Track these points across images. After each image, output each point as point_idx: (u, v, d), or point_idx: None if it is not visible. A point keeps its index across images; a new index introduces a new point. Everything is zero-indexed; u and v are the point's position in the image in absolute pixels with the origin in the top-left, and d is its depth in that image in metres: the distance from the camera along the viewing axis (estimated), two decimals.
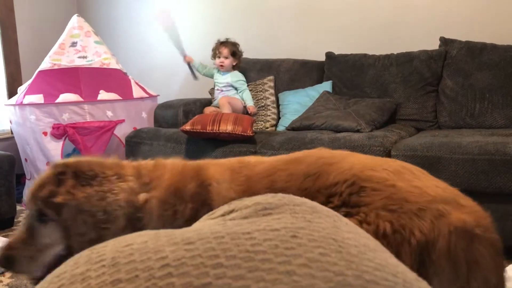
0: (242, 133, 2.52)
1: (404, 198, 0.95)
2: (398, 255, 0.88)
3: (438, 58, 2.72)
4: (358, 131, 2.46)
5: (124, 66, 3.34)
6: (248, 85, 3.18)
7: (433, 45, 2.84)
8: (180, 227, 0.63)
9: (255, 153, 2.48)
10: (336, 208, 0.97)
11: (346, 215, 0.95)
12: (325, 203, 0.99)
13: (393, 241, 0.90)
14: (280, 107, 3.11)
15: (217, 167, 1.16)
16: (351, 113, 2.61)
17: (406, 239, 0.90)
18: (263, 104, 3.11)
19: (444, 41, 2.77)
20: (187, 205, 1.08)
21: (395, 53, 2.89)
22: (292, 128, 2.75)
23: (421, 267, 0.89)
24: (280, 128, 2.98)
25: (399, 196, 0.95)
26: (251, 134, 2.53)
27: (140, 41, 4.00)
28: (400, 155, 2.18)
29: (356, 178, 1.00)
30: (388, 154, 2.21)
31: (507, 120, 2.48)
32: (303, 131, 2.60)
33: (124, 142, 2.90)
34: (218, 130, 2.52)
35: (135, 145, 2.81)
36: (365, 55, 2.96)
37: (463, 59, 2.64)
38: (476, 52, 2.62)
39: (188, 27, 3.75)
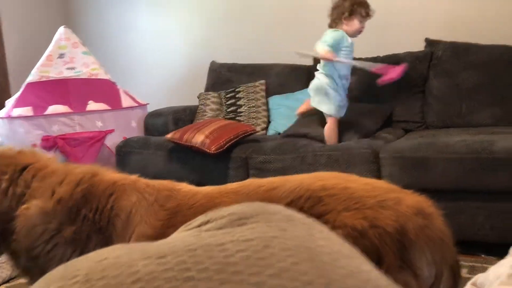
0: (204, 149, 2.41)
1: (362, 195, 0.98)
2: (382, 248, 0.92)
3: (424, 59, 2.75)
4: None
5: (113, 75, 3.34)
6: (239, 87, 3.19)
7: (419, 46, 2.86)
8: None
9: (245, 159, 2.48)
10: None
11: None
12: None
13: (373, 236, 0.92)
14: (270, 111, 3.12)
15: (134, 194, 1.07)
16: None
17: (384, 230, 0.93)
18: (254, 107, 3.11)
19: (429, 42, 2.79)
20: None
21: (381, 55, 2.91)
22: (286, 135, 2.75)
23: (404, 252, 0.94)
24: (271, 132, 3.00)
25: (356, 195, 0.99)
26: (212, 152, 2.38)
27: (129, 50, 4.01)
28: (388, 157, 2.20)
29: (310, 192, 1.01)
30: (376, 157, 2.23)
31: (494, 118, 2.51)
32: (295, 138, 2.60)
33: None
34: (190, 141, 2.45)
35: (126, 154, 2.81)
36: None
37: (449, 59, 2.67)
38: (461, 52, 2.64)
39: (176, 35, 3.76)
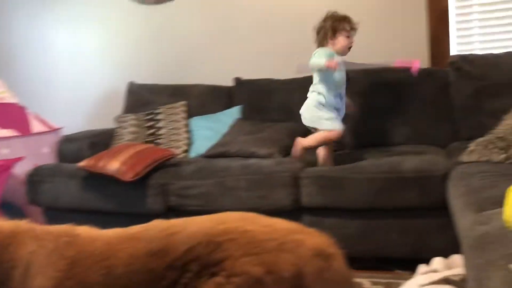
0: (119, 177, 2.31)
1: (261, 239, 0.97)
2: None
3: None
4: (270, 156, 2.49)
5: (24, 99, 3.14)
6: (159, 108, 3.11)
7: None
8: None
9: (164, 185, 2.41)
10: (197, 274, 0.95)
11: (211, 276, 0.94)
12: (180, 275, 0.96)
13: (269, 282, 0.91)
14: (191, 132, 3.08)
15: (33, 242, 1.01)
16: (265, 139, 2.64)
17: (280, 276, 0.92)
18: (175, 129, 3.05)
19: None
20: None
21: (299, 77, 2.98)
22: (207, 155, 2.72)
23: None
24: (192, 154, 2.95)
25: (257, 239, 0.97)
26: (129, 180, 2.29)
27: (42, 71, 3.79)
28: (307, 177, 2.24)
29: (210, 237, 0.99)
30: (296, 179, 2.26)
31: (402, 137, 2.63)
32: (215, 159, 2.58)
33: None
34: (105, 169, 2.33)
35: (36, 183, 2.64)
36: (271, 80, 3.02)
37: (361, 80, 2.77)
38: (372, 74, 2.76)
39: (93, 55, 3.62)
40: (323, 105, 2.37)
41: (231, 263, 0.94)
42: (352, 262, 2.26)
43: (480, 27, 2.85)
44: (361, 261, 2.29)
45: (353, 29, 2.40)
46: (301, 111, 2.49)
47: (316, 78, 2.43)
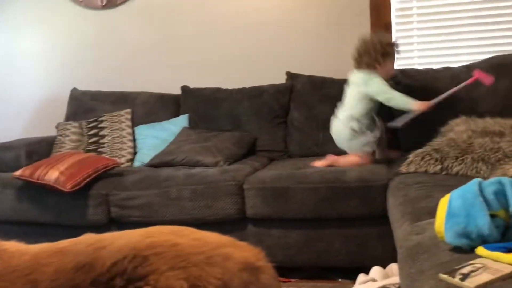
0: (58, 187, 2.23)
1: (189, 252, 0.97)
2: None
3: (285, 91, 2.88)
4: (216, 165, 2.48)
5: None
6: (103, 116, 3.02)
7: (281, 79, 3.00)
8: None
9: (106, 196, 2.34)
10: None
11: None
12: None
13: None
14: (136, 141, 3.00)
15: None
16: (211, 148, 2.62)
17: None
18: (119, 137, 2.97)
19: (290, 76, 2.94)
20: None
21: (247, 87, 2.99)
22: (152, 164, 2.67)
23: None
24: (137, 163, 2.88)
25: (185, 252, 0.97)
26: (68, 190, 2.21)
27: None
28: (252, 188, 2.23)
29: (136, 251, 0.98)
30: (241, 188, 2.25)
31: None
32: (159, 169, 2.53)
33: None
34: (43, 179, 2.24)
35: None
36: (218, 89, 3.01)
37: (307, 92, 2.82)
38: (318, 85, 2.82)
39: (32, 60, 3.47)
40: (358, 132, 2.34)
41: (156, 278, 0.93)
42: (296, 271, 2.30)
43: (419, 43, 2.98)
44: (306, 270, 2.31)
45: (398, 53, 2.40)
46: (333, 135, 2.45)
47: (357, 105, 2.35)
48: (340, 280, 2.21)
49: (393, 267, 1.87)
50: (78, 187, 2.27)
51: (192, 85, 3.15)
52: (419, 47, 2.98)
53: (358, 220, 2.15)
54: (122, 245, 0.99)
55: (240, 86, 3.03)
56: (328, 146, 2.72)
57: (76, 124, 3.03)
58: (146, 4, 3.29)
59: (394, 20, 2.97)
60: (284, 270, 2.32)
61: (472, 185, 1.09)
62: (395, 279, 1.72)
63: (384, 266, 1.99)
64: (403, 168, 2.07)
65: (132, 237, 1.03)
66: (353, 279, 2.03)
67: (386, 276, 1.82)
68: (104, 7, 3.34)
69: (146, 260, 0.95)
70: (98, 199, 2.33)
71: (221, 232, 1.22)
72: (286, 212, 2.19)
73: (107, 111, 3.10)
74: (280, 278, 2.20)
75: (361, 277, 1.88)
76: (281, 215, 2.20)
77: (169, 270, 0.93)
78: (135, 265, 0.95)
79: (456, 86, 2.33)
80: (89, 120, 3.05)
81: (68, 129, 2.99)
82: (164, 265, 0.94)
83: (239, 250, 1.02)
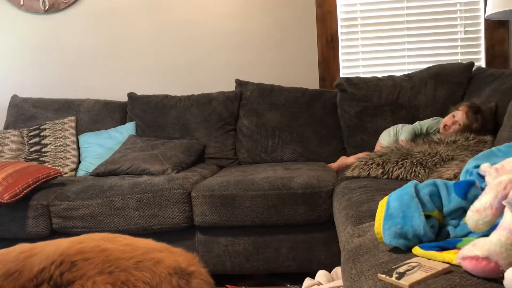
0: None
1: (118, 257, 0.98)
2: None
3: (234, 99, 2.88)
4: (164, 173, 2.43)
5: None
6: (45, 124, 2.91)
7: (231, 86, 3.01)
8: None
9: (47, 206, 2.25)
10: None
11: None
12: None
13: None
14: (81, 150, 2.91)
15: None
16: (158, 156, 2.57)
17: None
18: (62, 146, 2.86)
19: (239, 83, 2.95)
20: None
21: (195, 94, 2.97)
22: (96, 173, 2.59)
23: None
24: (81, 173, 2.79)
25: (113, 257, 0.98)
26: (5, 201, 2.11)
27: None
28: (199, 195, 2.21)
29: (64, 256, 0.99)
30: (188, 196, 2.22)
31: (295, 154, 2.74)
32: (104, 178, 2.46)
33: None
34: None
35: None
36: (166, 96, 2.97)
37: (255, 99, 2.84)
38: (266, 93, 2.84)
39: None
40: None
41: (83, 283, 0.93)
42: (245, 279, 2.29)
43: (363, 52, 3.08)
44: (255, 278, 2.31)
45: None
46: None
47: None
48: (288, 285, 2.22)
49: (338, 270, 1.90)
50: (17, 197, 2.16)
51: (140, 92, 3.10)
52: (363, 56, 3.08)
53: (305, 226, 2.18)
54: (51, 251, 0.99)
55: (189, 93, 3.01)
56: (277, 153, 2.75)
57: (16, 132, 2.89)
58: (91, 9, 3.21)
59: (340, 30, 3.06)
60: (234, 278, 2.31)
61: (408, 187, 1.13)
62: (340, 282, 1.74)
63: (330, 270, 2.02)
64: (348, 173, 2.12)
65: (62, 243, 1.02)
66: (300, 284, 2.05)
67: (331, 279, 1.85)
68: (47, 11, 3.23)
69: (74, 265, 0.96)
70: (38, 210, 2.23)
71: (169, 242, 1.21)
72: (234, 219, 2.18)
73: (50, 119, 2.99)
74: (229, 286, 2.20)
75: (307, 281, 1.90)
76: (229, 222, 2.19)
77: (97, 275, 0.93)
78: (62, 270, 0.96)
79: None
80: (30, 128, 2.92)
81: (7, 138, 2.86)
82: (92, 270, 0.94)
83: (170, 255, 1.02)
